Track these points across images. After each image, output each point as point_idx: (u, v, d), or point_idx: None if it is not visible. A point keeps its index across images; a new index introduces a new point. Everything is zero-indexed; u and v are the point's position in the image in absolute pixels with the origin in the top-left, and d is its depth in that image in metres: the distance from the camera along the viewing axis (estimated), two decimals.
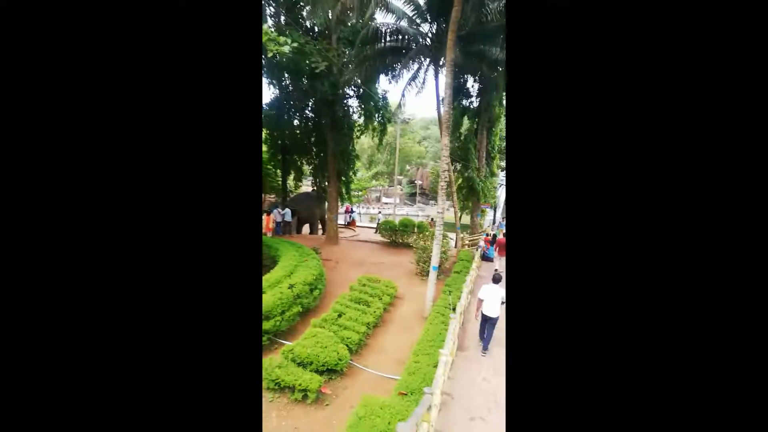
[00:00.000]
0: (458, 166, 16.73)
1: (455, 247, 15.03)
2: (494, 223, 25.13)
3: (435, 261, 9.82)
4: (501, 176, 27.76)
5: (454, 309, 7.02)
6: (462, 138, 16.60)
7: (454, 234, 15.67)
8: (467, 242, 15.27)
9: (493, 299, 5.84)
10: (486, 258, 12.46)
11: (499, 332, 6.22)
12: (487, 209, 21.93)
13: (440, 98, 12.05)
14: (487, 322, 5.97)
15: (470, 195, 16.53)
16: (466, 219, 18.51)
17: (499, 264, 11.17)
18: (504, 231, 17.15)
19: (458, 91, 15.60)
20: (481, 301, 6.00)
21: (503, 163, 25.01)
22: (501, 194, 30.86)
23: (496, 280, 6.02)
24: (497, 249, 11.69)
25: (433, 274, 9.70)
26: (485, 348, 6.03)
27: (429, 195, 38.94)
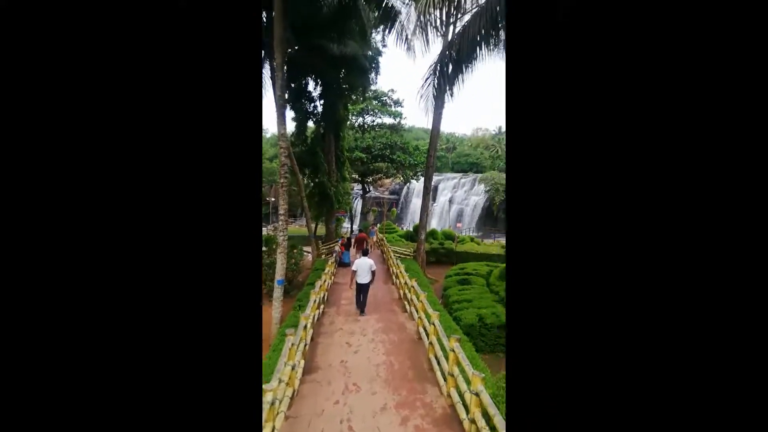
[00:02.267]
0: (308, 172, 15.65)
1: (311, 257, 13.76)
2: (351, 231, 25.03)
3: (279, 274, 8.27)
4: (356, 188, 28.43)
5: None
6: (309, 142, 15.68)
7: (310, 246, 14.39)
8: (323, 251, 14.21)
9: (364, 269, 7.09)
10: (342, 264, 11.64)
11: (372, 299, 7.93)
12: (343, 217, 21.62)
13: (275, 93, 10.74)
14: (361, 290, 7.25)
15: (323, 201, 15.62)
16: (322, 230, 17.51)
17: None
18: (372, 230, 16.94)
19: (299, 93, 14.72)
20: (354, 272, 7.22)
21: (355, 175, 25.57)
22: (357, 205, 31.64)
23: (365, 253, 7.66)
24: (356, 245, 11.70)
25: (278, 290, 8.12)
26: (362, 312, 7.32)
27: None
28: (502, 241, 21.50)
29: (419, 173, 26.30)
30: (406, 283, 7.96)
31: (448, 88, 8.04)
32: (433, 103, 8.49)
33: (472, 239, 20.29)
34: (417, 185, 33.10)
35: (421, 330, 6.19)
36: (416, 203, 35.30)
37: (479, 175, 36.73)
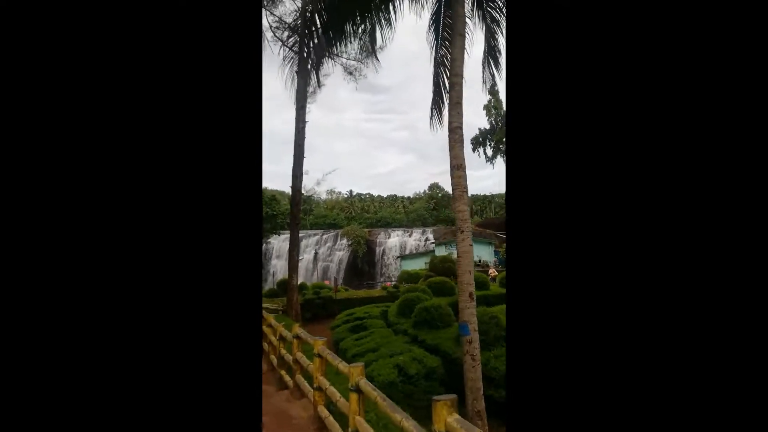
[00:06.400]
0: None
1: None
2: None
3: None
4: None
5: None
6: None
7: None
8: None
9: None
10: None
11: None
12: None
13: None
14: None
15: None
16: None
17: None
18: None
19: None
20: None
21: None
22: None
23: None
24: None
25: None
26: None
27: None
28: (374, 288, 20.48)
29: (279, 225, 23.33)
30: (281, 337, 4.89)
31: (314, 78, 6.37)
32: (295, 86, 6.61)
33: (346, 289, 18.22)
34: (277, 244, 30.02)
35: (323, 411, 3.30)
36: (276, 264, 32.07)
37: (341, 230, 36.71)
